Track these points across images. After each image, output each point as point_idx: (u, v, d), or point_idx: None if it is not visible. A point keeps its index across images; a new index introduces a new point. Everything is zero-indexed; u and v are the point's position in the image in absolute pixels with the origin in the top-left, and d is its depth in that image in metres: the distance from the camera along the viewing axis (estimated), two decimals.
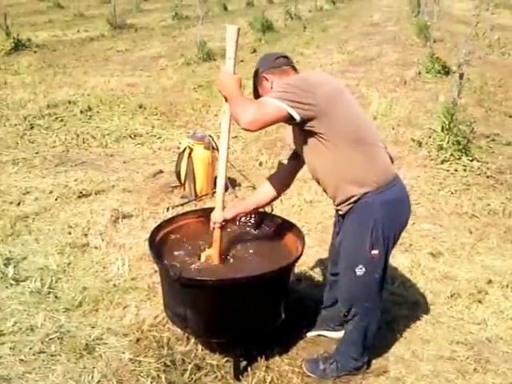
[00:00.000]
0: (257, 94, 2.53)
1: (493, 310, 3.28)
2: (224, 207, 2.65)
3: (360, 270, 2.43)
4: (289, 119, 2.28)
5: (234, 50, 2.38)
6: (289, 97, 2.23)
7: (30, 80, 8.87)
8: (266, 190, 2.75)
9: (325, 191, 2.53)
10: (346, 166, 2.35)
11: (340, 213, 2.52)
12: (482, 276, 3.62)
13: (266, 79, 2.46)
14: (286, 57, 2.54)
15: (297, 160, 2.63)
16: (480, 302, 3.35)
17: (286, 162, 2.75)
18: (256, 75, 2.51)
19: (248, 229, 2.96)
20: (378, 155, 2.41)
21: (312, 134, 2.33)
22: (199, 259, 2.66)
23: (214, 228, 2.66)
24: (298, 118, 2.25)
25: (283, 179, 2.76)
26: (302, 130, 2.35)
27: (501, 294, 3.44)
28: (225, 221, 2.67)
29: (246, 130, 2.29)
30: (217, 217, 2.63)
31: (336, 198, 2.46)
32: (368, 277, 2.45)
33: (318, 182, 2.53)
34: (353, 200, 2.39)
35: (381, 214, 2.37)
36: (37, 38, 12.72)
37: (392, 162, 2.50)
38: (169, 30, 15.59)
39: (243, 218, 2.97)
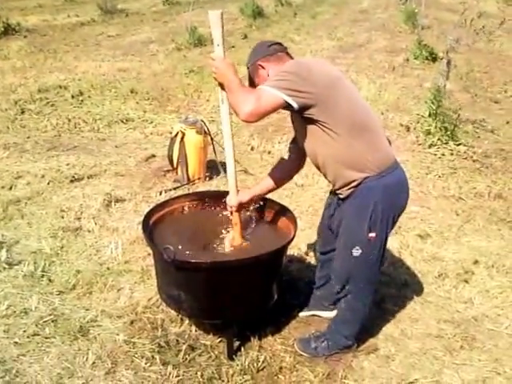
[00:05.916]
0: (252, 84, 2.47)
1: (479, 289, 3.35)
2: (238, 191, 2.64)
3: (356, 251, 2.45)
4: (287, 107, 2.26)
5: (220, 35, 2.29)
6: (286, 85, 2.20)
7: (20, 65, 8.82)
8: (280, 172, 2.75)
9: (325, 176, 2.53)
10: (348, 151, 2.33)
11: (340, 196, 2.51)
12: (468, 256, 3.69)
13: (262, 67, 2.43)
14: (279, 43, 2.51)
15: None
16: (466, 281, 3.41)
17: (286, 157, 2.74)
18: (251, 65, 2.47)
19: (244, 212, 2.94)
20: (378, 140, 2.40)
21: (312, 121, 2.31)
22: (223, 244, 2.67)
23: (231, 212, 2.67)
24: (296, 106, 2.23)
25: (296, 160, 2.71)
26: (301, 117, 2.33)
27: (486, 273, 3.51)
28: (241, 204, 2.67)
29: (245, 121, 2.27)
30: (233, 201, 2.63)
31: (336, 182, 2.46)
32: (364, 258, 2.46)
33: (318, 168, 2.52)
34: (354, 184, 2.39)
35: (381, 198, 2.37)
36: (27, 23, 12.60)
37: (390, 144, 2.50)
38: (160, 16, 15.48)
39: None
